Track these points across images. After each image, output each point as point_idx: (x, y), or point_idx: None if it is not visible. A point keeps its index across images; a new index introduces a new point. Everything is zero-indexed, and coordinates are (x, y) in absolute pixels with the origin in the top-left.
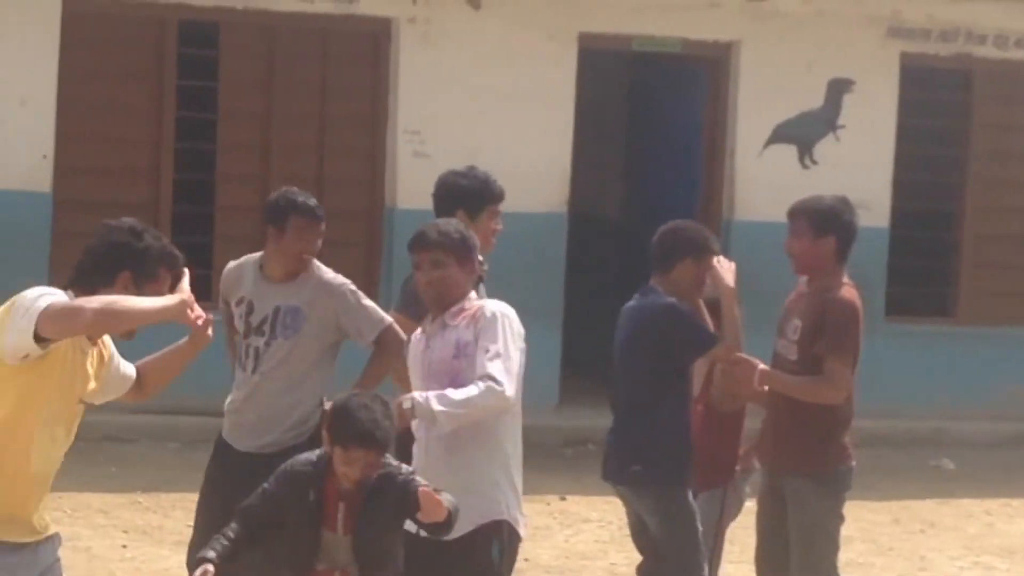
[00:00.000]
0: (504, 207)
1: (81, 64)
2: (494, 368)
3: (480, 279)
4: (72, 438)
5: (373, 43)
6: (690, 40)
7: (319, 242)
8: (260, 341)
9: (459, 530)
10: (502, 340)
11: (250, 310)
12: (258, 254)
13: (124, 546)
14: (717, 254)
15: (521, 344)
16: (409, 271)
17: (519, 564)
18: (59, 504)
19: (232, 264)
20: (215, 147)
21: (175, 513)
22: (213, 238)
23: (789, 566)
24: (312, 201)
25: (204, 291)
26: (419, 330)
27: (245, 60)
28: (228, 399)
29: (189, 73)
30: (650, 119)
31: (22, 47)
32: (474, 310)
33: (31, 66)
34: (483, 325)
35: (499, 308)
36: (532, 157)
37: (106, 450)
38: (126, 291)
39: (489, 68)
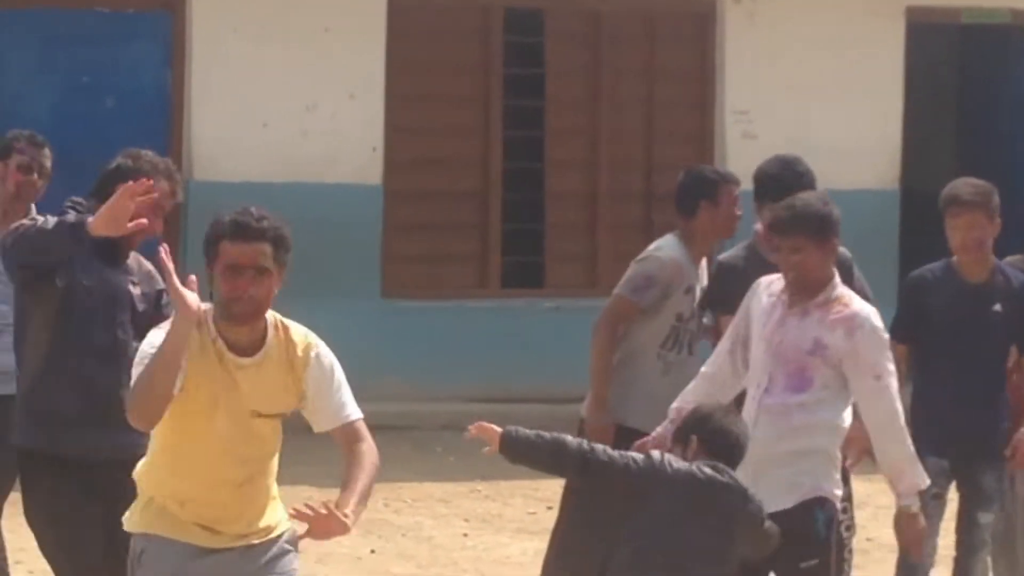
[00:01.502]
0: (834, 185)
1: (408, 56)
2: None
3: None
4: (264, 449)
5: (699, 24)
6: (1019, 10)
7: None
8: (694, 324)
9: (783, 503)
10: (884, 361)
11: (693, 297)
12: (673, 239)
13: (465, 535)
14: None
15: None
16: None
17: (862, 544)
18: (400, 494)
19: (669, 255)
20: (543, 134)
21: (515, 501)
22: (544, 225)
23: None
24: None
25: (536, 278)
26: (775, 291)
27: (571, 46)
28: (642, 385)
29: (515, 61)
30: (980, 92)
31: (349, 41)
32: (849, 313)
33: (359, 60)
34: (865, 341)
35: (876, 319)
36: (861, 135)
37: (445, 439)
38: None
39: (816, 46)
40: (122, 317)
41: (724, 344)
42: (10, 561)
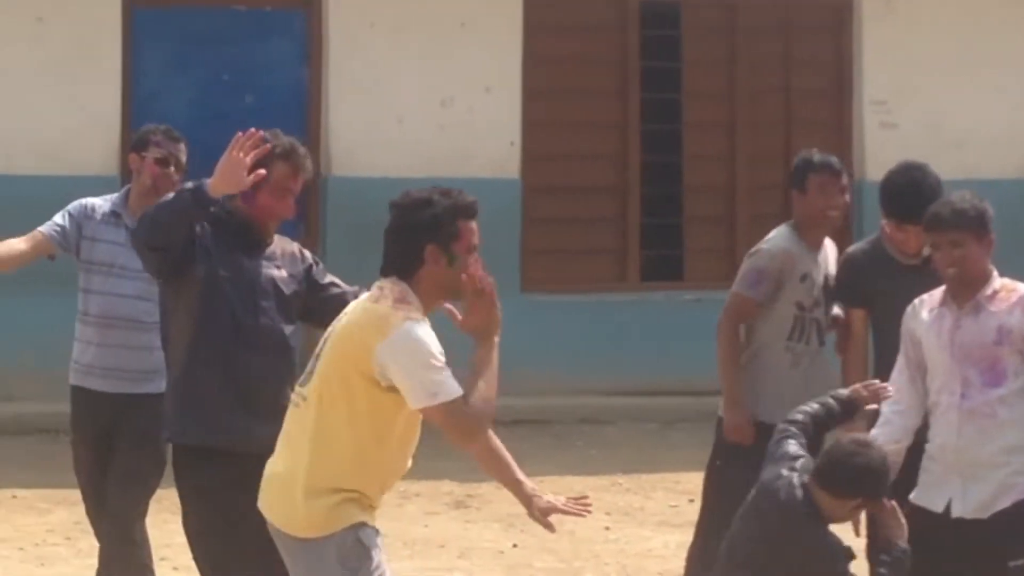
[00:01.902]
0: (975, 175)
1: (545, 50)
2: None
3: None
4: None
5: (836, 14)
6: None
7: (844, 198)
8: (819, 312)
9: (999, 505)
10: None
11: (813, 284)
12: (785, 229)
13: (607, 528)
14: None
15: None
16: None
17: None
18: (541, 488)
19: (778, 246)
20: (680, 127)
21: (656, 494)
22: (682, 219)
23: None
24: (830, 158)
25: (675, 272)
26: (934, 303)
27: (708, 38)
28: (772, 379)
29: (652, 54)
30: None
31: (486, 35)
32: (1019, 294)
33: (495, 54)
34: None
35: None
36: (1000, 123)
37: (585, 433)
38: (437, 264)
39: (954, 33)
40: (266, 304)
41: (901, 377)
42: (155, 558)
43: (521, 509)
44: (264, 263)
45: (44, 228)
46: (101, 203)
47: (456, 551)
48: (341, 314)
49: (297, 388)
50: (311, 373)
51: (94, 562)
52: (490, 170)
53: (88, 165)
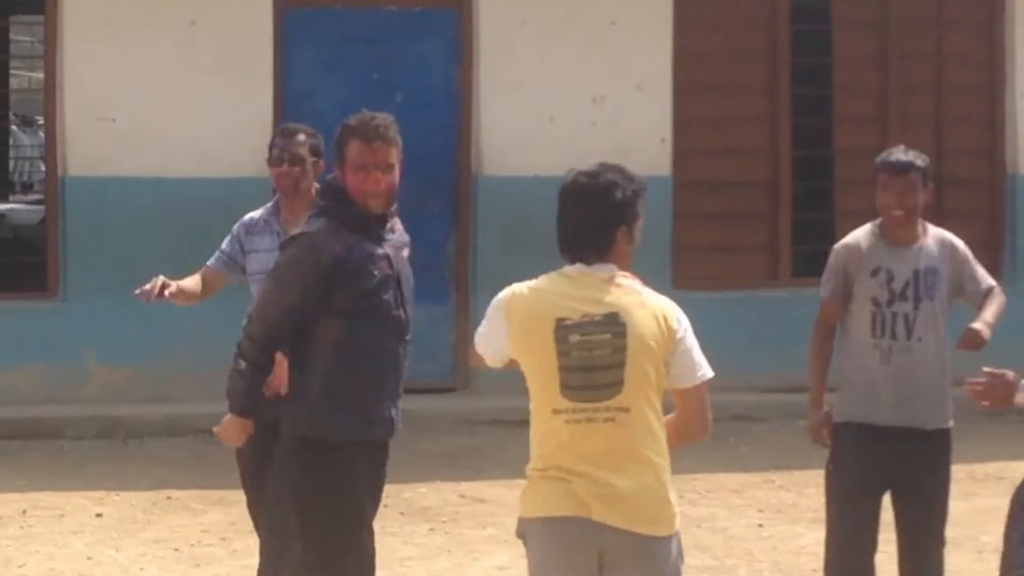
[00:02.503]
0: None
1: (695, 46)
2: None
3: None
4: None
5: (988, 7)
6: None
7: (916, 197)
8: (906, 307)
9: None
10: None
11: (890, 278)
12: (869, 225)
13: (760, 525)
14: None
15: None
16: None
17: None
18: (693, 486)
19: (845, 242)
20: (831, 122)
21: (809, 491)
22: (834, 214)
23: None
24: (897, 156)
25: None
26: None
27: (858, 32)
28: (862, 376)
29: (803, 49)
30: None
31: (636, 33)
32: None
33: (646, 51)
34: None
35: None
36: None
37: (737, 430)
38: (623, 246)
39: None
40: (407, 293)
41: None
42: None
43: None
44: (393, 249)
45: (212, 262)
46: (258, 215)
47: None
48: (605, 319)
49: (595, 405)
50: (609, 386)
51: (249, 562)
52: (641, 167)
53: (242, 167)
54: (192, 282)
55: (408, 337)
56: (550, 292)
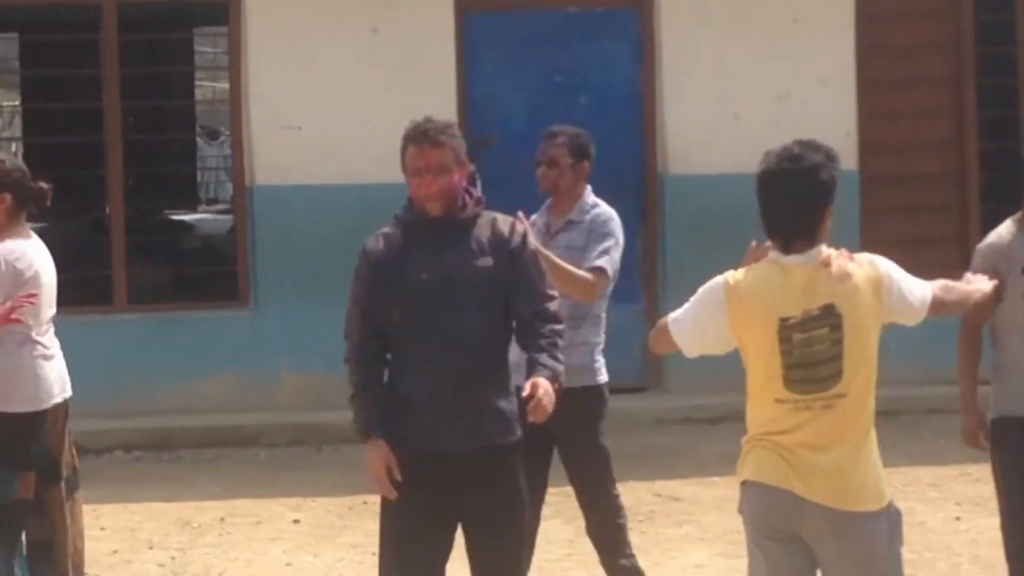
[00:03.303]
0: None
1: (878, 40)
2: None
3: None
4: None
5: None
6: None
7: None
8: None
9: None
10: None
11: None
12: (1009, 223)
13: (957, 518)
14: None
15: None
16: None
17: None
18: (889, 480)
19: (987, 241)
20: (1018, 113)
21: None
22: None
23: None
24: None
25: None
26: None
27: None
28: (1014, 370)
29: (988, 40)
30: None
31: (818, 29)
32: None
33: (829, 47)
34: None
35: None
36: None
37: (933, 423)
38: (826, 226)
39: None
40: (464, 298)
41: None
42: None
43: None
44: (463, 255)
45: None
46: (535, 216)
47: None
48: (822, 313)
49: (815, 396)
50: (829, 378)
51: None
52: None
53: None
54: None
55: (472, 343)
56: (771, 288)
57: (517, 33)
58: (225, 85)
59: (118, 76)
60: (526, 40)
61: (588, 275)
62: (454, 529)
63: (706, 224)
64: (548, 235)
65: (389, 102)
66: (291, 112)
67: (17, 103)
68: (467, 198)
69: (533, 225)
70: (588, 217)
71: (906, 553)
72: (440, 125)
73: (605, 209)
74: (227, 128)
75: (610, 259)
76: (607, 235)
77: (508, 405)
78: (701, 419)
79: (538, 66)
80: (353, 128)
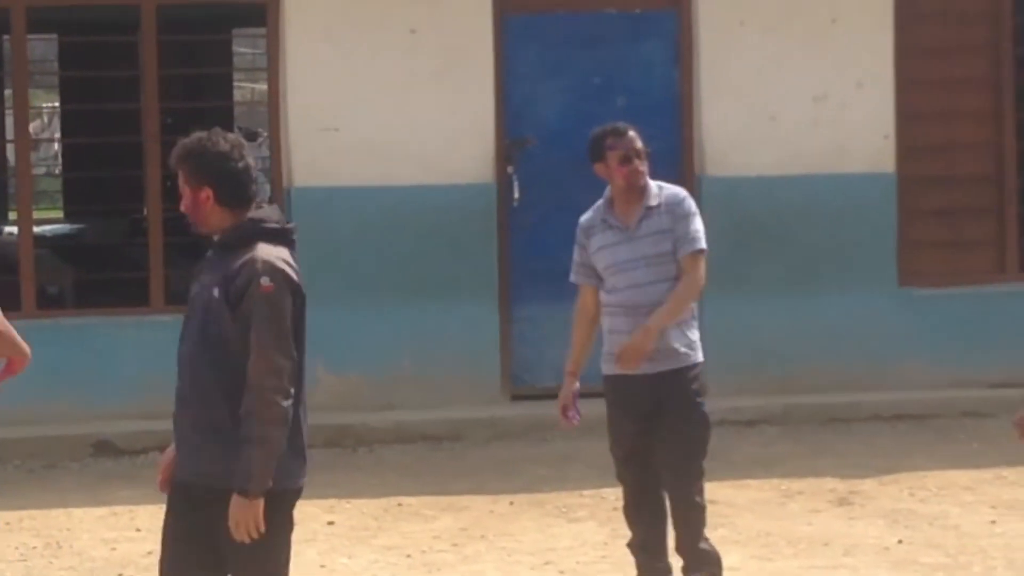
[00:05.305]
0: None
1: (917, 42)
2: None
3: None
4: None
5: None
6: None
7: None
8: None
9: None
10: None
11: None
12: None
13: (992, 522)
14: None
15: None
16: None
17: None
18: (924, 483)
19: None
20: None
21: None
22: None
23: None
24: None
25: None
26: None
27: None
28: None
29: None
30: None
31: (857, 30)
32: None
33: (867, 48)
34: None
35: None
36: None
37: (967, 426)
38: None
39: None
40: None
41: None
42: (539, 562)
43: (906, 504)
44: (213, 277)
45: (575, 277)
46: (591, 216)
47: (841, 549)
48: None
49: None
50: None
51: (480, 567)
52: (865, 165)
53: (464, 173)
54: (584, 334)
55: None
56: None
57: (555, 35)
58: (263, 86)
59: (156, 77)
60: (564, 42)
61: (690, 284)
62: None
63: (743, 226)
64: (629, 229)
65: (427, 103)
66: (329, 114)
67: (56, 104)
68: None
69: (604, 221)
70: (664, 199)
71: (941, 557)
72: (177, 149)
73: (673, 188)
74: (265, 129)
75: (702, 235)
76: (692, 214)
77: None
78: (736, 421)
79: (576, 68)
80: (391, 130)
